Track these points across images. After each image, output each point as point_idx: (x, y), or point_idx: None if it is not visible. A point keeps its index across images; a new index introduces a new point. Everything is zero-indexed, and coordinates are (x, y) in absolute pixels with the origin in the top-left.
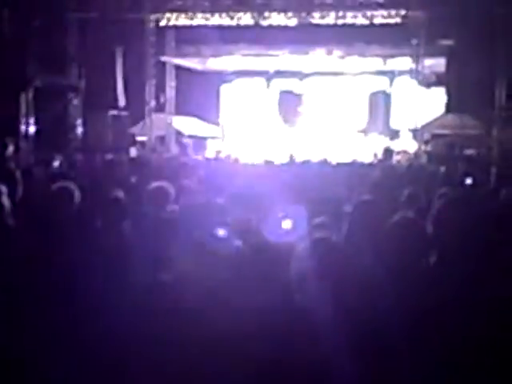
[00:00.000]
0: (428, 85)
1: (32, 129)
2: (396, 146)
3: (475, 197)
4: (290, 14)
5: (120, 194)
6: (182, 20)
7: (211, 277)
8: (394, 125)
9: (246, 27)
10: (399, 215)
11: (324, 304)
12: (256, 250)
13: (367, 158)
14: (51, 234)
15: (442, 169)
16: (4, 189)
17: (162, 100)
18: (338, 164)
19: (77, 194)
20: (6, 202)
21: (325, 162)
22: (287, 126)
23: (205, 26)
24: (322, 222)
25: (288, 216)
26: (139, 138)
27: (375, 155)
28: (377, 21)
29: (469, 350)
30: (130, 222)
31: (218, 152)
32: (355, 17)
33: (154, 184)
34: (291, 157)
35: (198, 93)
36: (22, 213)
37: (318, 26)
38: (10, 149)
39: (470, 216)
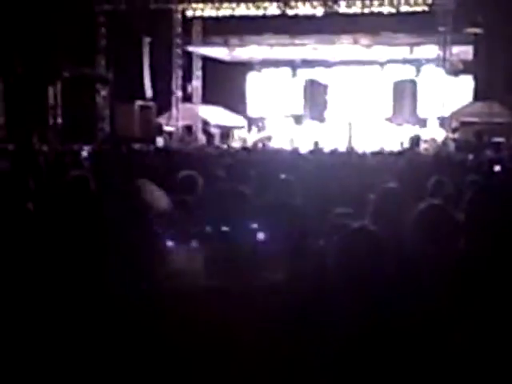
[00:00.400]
0: (455, 73)
1: (60, 119)
2: (423, 134)
3: (504, 184)
4: (315, 4)
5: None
6: (209, 10)
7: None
8: (421, 113)
9: (272, 17)
10: (426, 203)
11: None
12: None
13: (394, 147)
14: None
15: (471, 156)
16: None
17: (188, 90)
18: (365, 153)
19: (93, 184)
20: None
21: (351, 151)
22: (313, 116)
23: (231, 16)
24: (346, 212)
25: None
26: (166, 128)
27: (402, 144)
28: (403, 9)
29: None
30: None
31: (245, 141)
32: (381, 5)
33: (183, 173)
34: (316, 145)
35: (225, 83)
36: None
37: (344, 15)
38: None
39: (502, 204)
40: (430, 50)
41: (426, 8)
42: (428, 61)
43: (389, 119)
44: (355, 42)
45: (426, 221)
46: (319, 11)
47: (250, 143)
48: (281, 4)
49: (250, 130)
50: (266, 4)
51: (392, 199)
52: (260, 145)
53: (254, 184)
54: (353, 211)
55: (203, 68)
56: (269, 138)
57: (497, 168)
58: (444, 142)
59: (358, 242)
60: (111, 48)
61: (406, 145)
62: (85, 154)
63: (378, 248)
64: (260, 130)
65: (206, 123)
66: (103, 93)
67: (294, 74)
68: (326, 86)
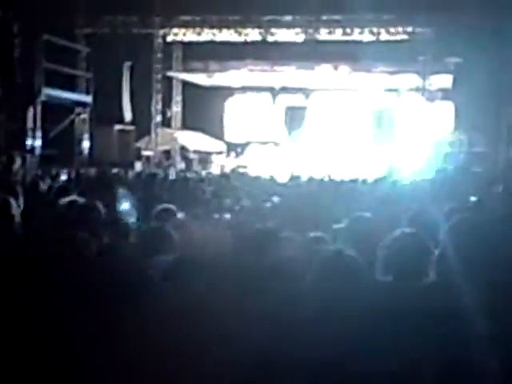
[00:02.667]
0: (434, 102)
1: (39, 143)
2: (401, 162)
3: (480, 215)
4: (296, 31)
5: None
6: (190, 35)
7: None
8: (399, 141)
9: (253, 43)
10: (399, 230)
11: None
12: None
13: (373, 174)
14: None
15: (448, 185)
16: (13, 201)
17: (168, 115)
18: (342, 180)
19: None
20: (16, 213)
21: (329, 179)
22: (292, 142)
23: (212, 42)
24: (319, 236)
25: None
26: (145, 153)
27: (380, 171)
28: (383, 37)
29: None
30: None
31: (223, 167)
32: (362, 33)
33: (162, 206)
34: (293, 174)
35: (204, 108)
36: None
37: (324, 42)
38: (17, 163)
39: (477, 235)
40: (410, 79)
41: (405, 37)
42: (407, 89)
43: (368, 146)
44: (335, 69)
45: (397, 249)
46: (300, 38)
47: (227, 169)
48: (262, 30)
49: (228, 155)
50: (247, 30)
51: (364, 226)
52: (238, 171)
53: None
54: (326, 236)
55: (183, 93)
56: (245, 166)
57: (473, 198)
58: (422, 171)
59: (334, 266)
60: (91, 71)
61: (385, 172)
62: (63, 177)
63: (353, 271)
64: (238, 155)
65: (184, 148)
66: (82, 116)
67: (274, 100)
68: (305, 112)
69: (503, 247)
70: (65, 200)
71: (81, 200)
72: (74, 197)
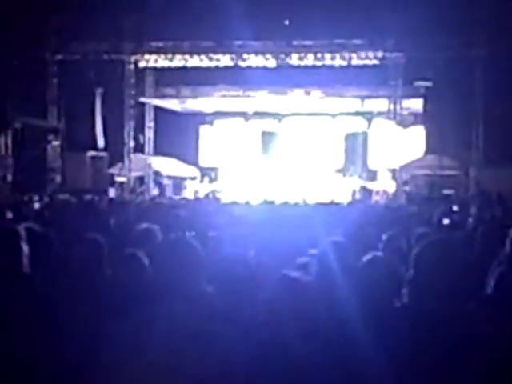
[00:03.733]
0: (406, 125)
1: (11, 170)
2: (374, 186)
3: (452, 238)
4: (268, 56)
5: (99, 236)
6: (161, 61)
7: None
8: (372, 165)
9: (225, 68)
10: (370, 255)
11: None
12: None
13: (345, 199)
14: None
15: (421, 209)
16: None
17: (140, 141)
18: (316, 204)
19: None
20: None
21: (303, 203)
22: (266, 166)
23: (184, 68)
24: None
25: None
26: (118, 179)
27: (353, 195)
28: (354, 62)
29: None
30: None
31: (196, 192)
32: (333, 58)
33: (142, 225)
34: (267, 199)
35: (177, 133)
36: None
37: (296, 67)
38: None
39: (447, 259)
40: (381, 103)
41: (376, 62)
42: (379, 113)
43: (340, 170)
44: (307, 94)
45: (370, 273)
46: (271, 63)
47: (201, 195)
48: (233, 56)
49: (202, 180)
50: (219, 56)
51: (336, 252)
52: (211, 196)
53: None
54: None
55: (155, 119)
56: (218, 191)
57: (446, 221)
58: (395, 195)
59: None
60: (63, 99)
61: (358, 196)
62: (36, 205)
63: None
64: (212, 180)
65: (158, 174)
66: (54, 143)
67: (247, 125)
68: (278, 137)
69: (475, 268)
70: (21, 227)
71: (36, 227)
72: (30, 224)
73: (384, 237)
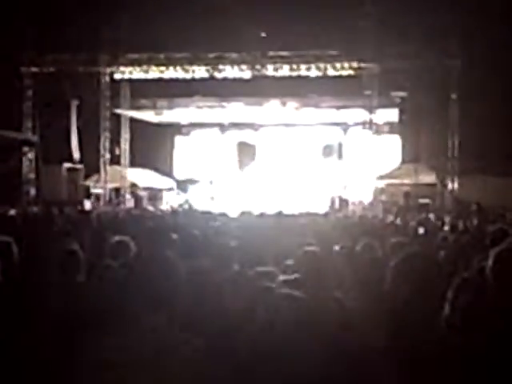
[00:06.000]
0: (381, 135)
1: None
2: (351, 196)
3: (427, 247)
4: (244, 67)
5: (75, 246)
6: (137, 73)
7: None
8: (347, 175)
9: (201, 80)
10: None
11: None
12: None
13: (322, 209)
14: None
15: (397, 218)
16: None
17: (116, 152)
18: (292, 214)
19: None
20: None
21: (279, 214)
22: (243, 177)
23: (159, 79)
24: (268, 272)
25: None
26: (94, 191)
27: (330, 206)
28: (330, 73)
29: None
30: (84, 275)
31: (173, 203)
32: (309, 69)
33: (116, 238)
34: (244, 211)
35: (153, 145)
36: None
37: (271, 78)
38: None
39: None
40: (357, 113)
41: (351, 72)
42: (354, 123)
43: (317, 180)
44: (283, 104)
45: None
46: (247, 74)
47: (177, 206)
48: (209, 67)
49: (178, 192)
50: (194, 67)
51: (312, 261)
52: (186, 206)
53: (179, 248)
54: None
55: (131, 130)
56: (194, 202)
57: (421, 230)
58: (371, 204)
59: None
60: (38, 110)
61: (334, 206)
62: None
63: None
64: (185, 192)
65: (134, 185)
66: (29, 156)
67: (223, 136)
68: (255, 147)
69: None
70: None
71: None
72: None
73: (358, 247)
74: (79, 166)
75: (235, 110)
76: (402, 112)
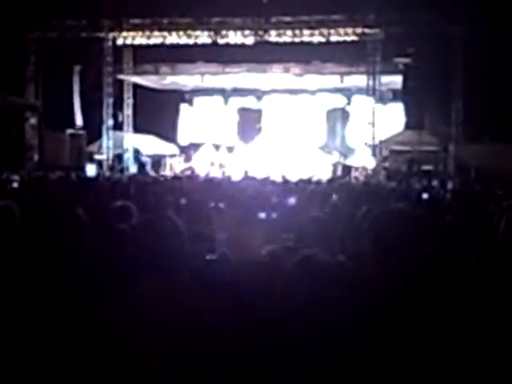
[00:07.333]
0: (385, 102)
1: None
2: (354, 162)
3: (431, 211)
4: (246, 33)
5: (80, 211)
6: (139, 39)
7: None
8: (352, 142)
9: (203, 45)
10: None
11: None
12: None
13: (325, 175)
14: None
15: (401, 185)
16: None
17: (119, 118)
18: (296, 181)
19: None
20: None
21: (283, 179)
22: (245, 143)
23: (162, 45)
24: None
25: None
26: (97, 157)
27: (333, 172)
28: (333, 39)
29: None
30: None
31: (176, 169)
32: (312, 35)
33: (118, 202)
34: (246, 173)
35: (156, 111)
36: None
37: (275, 44)
38: None
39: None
40: (360, 80)
41: (355, 38)
42: (358, 90)
43: (321, 147)
44: (286, 70)
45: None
46: (250, 40)
47: (180, 172)
48: (212, 33)
49: (181, 157)
50: (197, 33)
51: (316, 227)
52: (188, 172)
53: (186, 213)
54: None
55: (134, 96)
56: (198, 168)
57: (425, 196)
58: (375, 171)
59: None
60: (41, 76)
61: (338, 173)
62: (15, 183)
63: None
64: (188, 158)
65: (137, 151)
66: (32, 121)
67: (226, 103)
68: (259, 113)
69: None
70: None
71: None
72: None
73: (362, 212)
74: (82, 132)
75: (238, 76)
76: (405, 78)
